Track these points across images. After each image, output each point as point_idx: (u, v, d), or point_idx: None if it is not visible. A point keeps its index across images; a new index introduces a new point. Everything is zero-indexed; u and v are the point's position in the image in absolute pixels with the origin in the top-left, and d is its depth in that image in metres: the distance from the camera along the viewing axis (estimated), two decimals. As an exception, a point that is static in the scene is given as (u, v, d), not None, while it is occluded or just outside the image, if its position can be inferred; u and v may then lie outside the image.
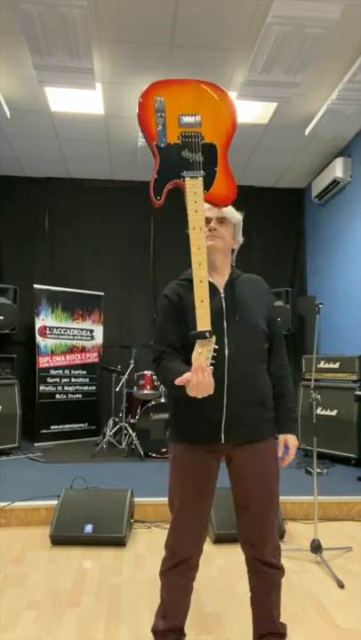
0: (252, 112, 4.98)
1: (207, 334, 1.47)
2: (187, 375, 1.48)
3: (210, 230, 1.77)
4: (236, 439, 1.69)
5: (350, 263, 5.68)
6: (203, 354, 1.48)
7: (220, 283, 1.79)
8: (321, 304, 3.27)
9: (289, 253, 7.11)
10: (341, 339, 5.80)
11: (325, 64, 4.22)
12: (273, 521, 1.77)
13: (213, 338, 1.48)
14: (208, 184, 1.61)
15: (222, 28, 3.83)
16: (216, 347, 1.49)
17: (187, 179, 1.59)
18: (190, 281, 1.76)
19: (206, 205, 1.77)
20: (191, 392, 1.47)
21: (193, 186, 1.58)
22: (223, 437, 1.68)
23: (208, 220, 1.77)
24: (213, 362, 1.48)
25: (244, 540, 1.79)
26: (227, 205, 1.74)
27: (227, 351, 1.68)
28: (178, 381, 1.49)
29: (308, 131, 5.19)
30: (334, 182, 5.80)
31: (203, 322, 1.49)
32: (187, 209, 1.56)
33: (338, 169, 5.68)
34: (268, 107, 4.87)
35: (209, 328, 1.48)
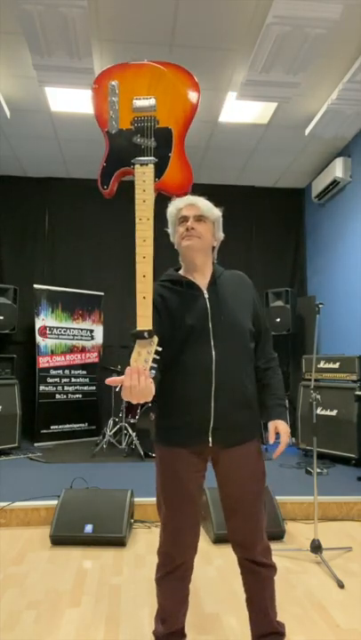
0: (252, 112, 4.98)
1: (146, 334, 1.35)
2: (120, 377, 1.35)
3: (187, 230, 1.71)
4: (223, 441, 1.68)
5: (350, 263, 5.68)
6: (142, 355, 1.34)
7: (203, 283, 1.75)
8: (321, 304, 3.27)
9: (289, 253, 7.11)
10: (341, 339, 5.80)
11: (325, 64, 4.22)
12: (261, 521, 1.75)
13: (155, 339, 1.35)
14: (160, 171, 1.50)
15: (222, 28, 3.83)
16: (158, 348, 1.35)
17: (136, 166, 1.48)
18: (173, 282, 1.76)
19: (183, 202, 1.73)
20: (124, 396, 1.33)
21: (142, 174, 1.47)
22: (211, 440, 1.66)
23: (185, 219, 1.73)
24: (155, 365, 1.34)
25: (234, 541, 1.78)
26: (181, 195, 1.64)
27: (213, 353, 1.65)
28: (108, 381, 1.39)
29: (308, 131, 5.19)
30: (334, 182, 5.79)
31: (143, 321, 1.36)
32: (135, 198, 1.46)
33: (338, 169, 5.68)
34: (268, 107, 4.87)
35: (149, 328, 1.36)
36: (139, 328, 1.36)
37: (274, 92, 4.30)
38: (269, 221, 6.92)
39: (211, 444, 1.67)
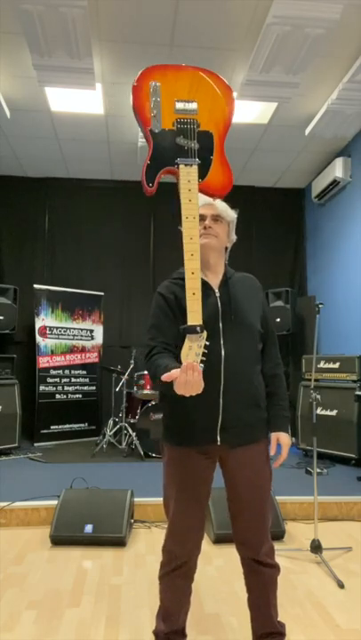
0: (252, 112, 4.98)
1: (198, 329, 1.39)
2: (175, 372, 1.39)
3: (204, 228, 1.74)
4: (231, 441, 1.69)
5: (350, 263, 5.68)
6: (193, 349, 1.39)
7: (215, 282, 1.77)
8: (321, 304, 3.27)
9: (289, 253, 7.11)
10: (341, 339, 5.80)
11: (325, 64, 4.22)
12: (267, 521, 1.77)
13: (205, 333, 1.40)
14: (203, 173, 1.55)
15: (222, 28, 3.83)
16: (207, 343, 1.41)
17: (181, 166, 1.53)
18: (184, 279, 1.76)
19: (201, 201, 1.72)
20: (179, 390, 1.38)
21: (187, 174, 1.52)
22: (219, 439, 1.67)
23: (203, 218, 1.74)
24: (204, 359, 1.40)
25: (239, 541, 1.78)
26: (222, 195, 1.67)
27: (223, 352, 1.66)
28: (165, 377, 1.41)
29: (308, 131, 5.19)
30: (334, 182, 5.79)
31: (194, 316, 1.41)
32: (180, 197, 1.51)
33: (338, 169, 5.68)
34: (268, 107, 4.87)
35: (200, 322, 1.41)
36: (190, 323, 1.40)
37: (274, 91, 4.30)
38: (269, 221, 6.93)
39: (219, 443, 1.67)
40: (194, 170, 1.53)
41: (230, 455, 1.72)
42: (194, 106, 1.56)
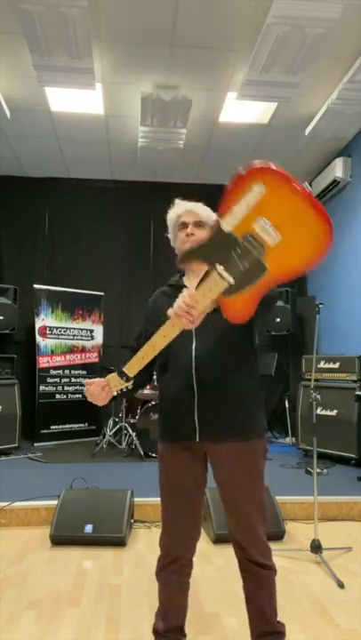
0: (252, 112, 4.97)
1: (125, 378, 1.65)
2: (91, 380, 1.70)
3: (187, 236, 1.78)
4: (210, 436, 1.70)
5: (350, 263, 5.68)
6: (112, 384, 1.68)
7: (194, 283, 1.77)
8: (321, 304, 3.27)
9: (289, 253, 7.10)
10: (341, 339, 5.80)
11: (325, 64, 4.22)
12: (256, 522, 1.74)
13: (130, 383, 1.67)
14: (228, 293, 1.43)
15: (222, 28, 3.83)
16: (128, 388, 1.69)
17: (216, 271, 1.42)
18: (174, 287, 1.83)
19: (183, 209, 1.81)
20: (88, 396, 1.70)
21: (215, 281, 1.42)
22: (198, 436, 1.70)
23: (185, 225, 1.79)
24: (119, 393, 1.69)
25: (233, 540, 1.80)
26: (234, 320, 1.55)
27: (193, 350, 1.70)
28: (85, 381, 1.73)
29: (308, 131, 5.19)
30: (334, 182, 5.79)
31: (132, 367, 1.63)
32: (195, 294, 1.45)
33: (338, 169, 5.68)
34: (268, 107, 4.87)
35: (132, 375, 1.64)
36: (127, 369, 1.65)
37: (274, 92, 4.30)
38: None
39: (198, 440, 1.70)
40: (222, 284, 1.42)
41: (213, 452, 1.73)
42: (275, 238, 1.35)
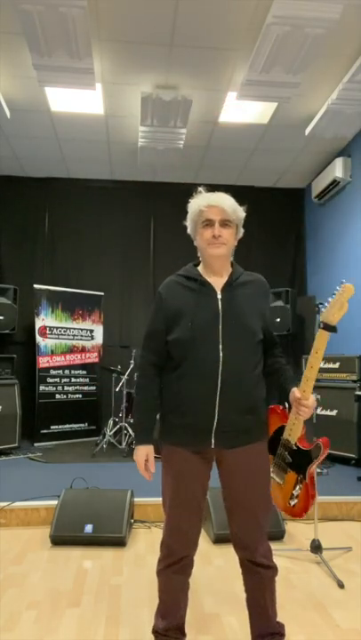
0: (252, 112, 4.98)
1: None
2: (145, 466, 1.77)
3: (213, 237, 1.69)
4: (225, 443, 1.68)
5: (350, 263, 5.68)
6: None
7: (218, 283, 1.74)
8: (321, 304, 3.25)
9: (289, 253, 7.11)
10: (341, 339, 5.77)
11: (325, 64, 4.22)
12: (263, 523, 1.76)
13: None
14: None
15: (222, 28, 3.82)
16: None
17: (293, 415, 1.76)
18: (188, 278, 1.77)
19: (207, 201, 1.70)
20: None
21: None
22: (213, 442, 1.67)
23: (210, 223, 1.70)
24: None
25: (236, 542, 1.78)
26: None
27: (221, 356, 1.65)
28: (138, 461, 1.77)
29: (308, 131, 5.19)
30: (334, 182, 5.79)
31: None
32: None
33: (338, 169, 5.67)
34: (268, 107, 4.86)
35: None
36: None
37: (274, 91, 4.30)
38: (269, 221, 6.92)
39: (213, 446, 1.68)
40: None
41: (226, 456, 1.72)
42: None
